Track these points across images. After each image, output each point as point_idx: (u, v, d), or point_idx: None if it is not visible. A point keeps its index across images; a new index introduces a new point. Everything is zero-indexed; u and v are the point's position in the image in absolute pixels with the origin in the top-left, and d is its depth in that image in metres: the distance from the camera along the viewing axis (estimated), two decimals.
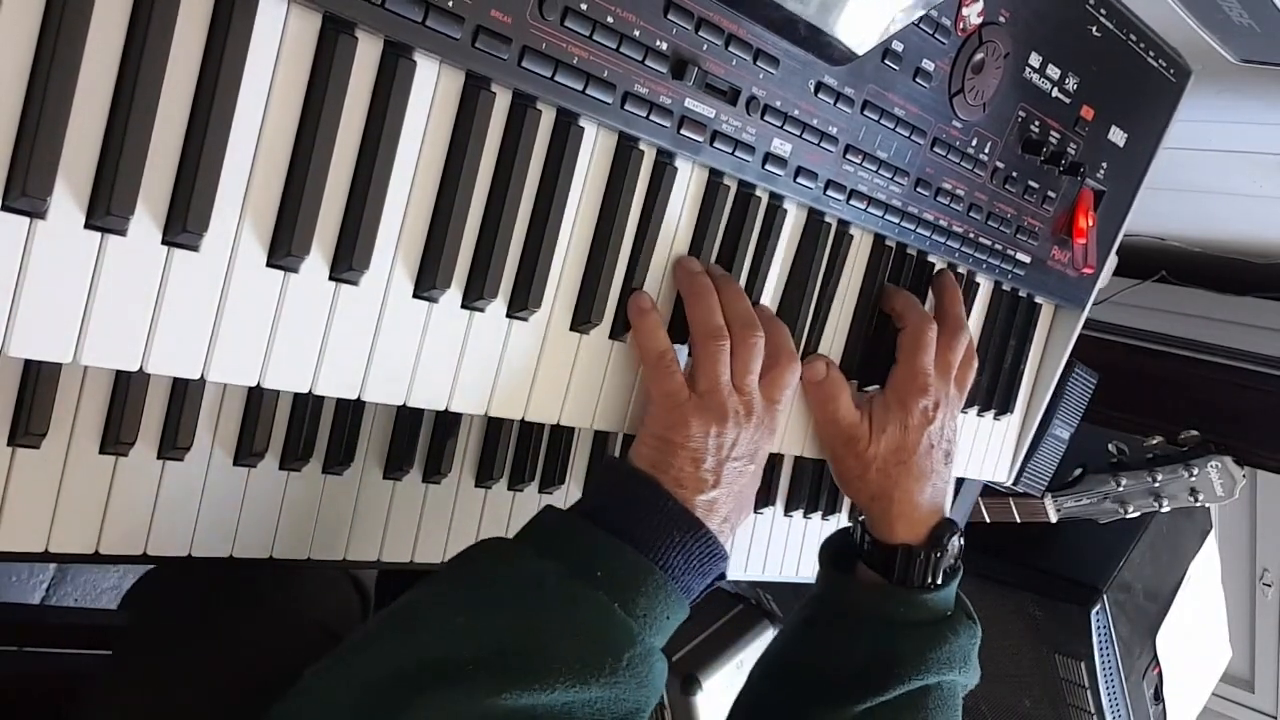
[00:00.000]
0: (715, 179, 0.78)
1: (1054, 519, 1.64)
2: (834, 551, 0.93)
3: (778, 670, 0.91)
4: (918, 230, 0.92)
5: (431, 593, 0.66)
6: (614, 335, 0.76)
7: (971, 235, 0.98)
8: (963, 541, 0.89)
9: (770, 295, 0.86)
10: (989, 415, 1.12)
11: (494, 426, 0.82)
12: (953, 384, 0.94)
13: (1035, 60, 0.94)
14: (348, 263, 0.61)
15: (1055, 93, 0.97)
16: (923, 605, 0.86)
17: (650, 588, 0.66)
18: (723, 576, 0.74)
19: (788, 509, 1.04)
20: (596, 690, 0.62)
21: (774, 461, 1.01)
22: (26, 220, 0.50)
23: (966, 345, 0.95)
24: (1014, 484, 1.22)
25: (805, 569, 1.08)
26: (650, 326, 0.76)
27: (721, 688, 1.68)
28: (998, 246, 1.01)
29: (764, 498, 1.01)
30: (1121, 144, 1.07)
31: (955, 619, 0.87)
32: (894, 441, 0.89)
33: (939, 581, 0.87)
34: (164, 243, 0.55)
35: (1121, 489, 1.62)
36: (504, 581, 0.65)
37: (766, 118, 0.77)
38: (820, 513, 1.07)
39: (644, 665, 0.64)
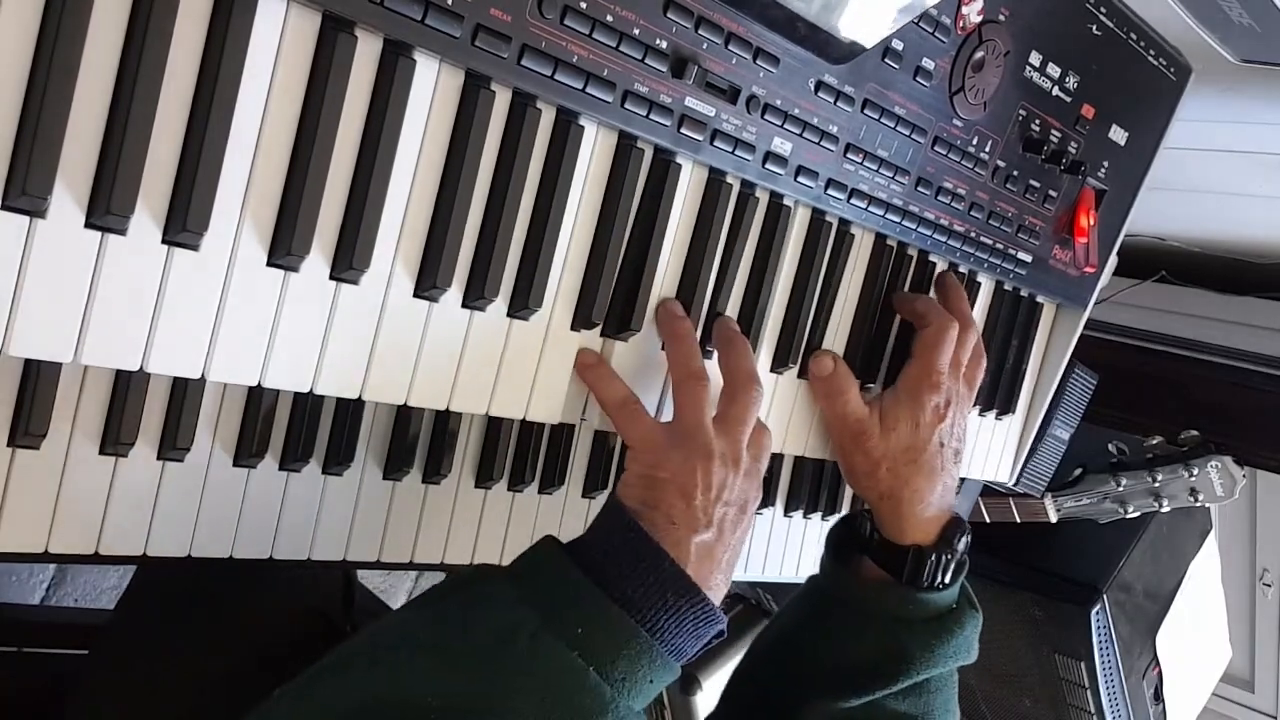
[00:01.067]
0: (716, 178, 0.78)
1: (1054, 519, 1.64)
2: (839, 542, 0.92)
3: (779, 658, 0.90)
4: (919, 229, 0.92)
5: (406, 626, 0.63)
6: (615, 335, 0.76)
7: (973, 234, 0.98)
8: (969, 538, 0.89)
9: (771, 296, 0.86)
10: (990, 415, 1.12)
11: (494, 426, 0.82)
12: (962, 382, 0.93)
13: (1036, 59, 0.94)
14: (348, 262, 0.61)
15: (1056, 91, 0.97)
16: (930, 603, 0.85)
17: (633, 651, 0.62)
18: (722, 635, 0.70)
19: (787, 509, 1.04)
20: None
21: (774, 461, 1.01)
22: (26, 219, 0.50)
23: (976, 342, 0.95)
24: (1014, 484, 1.21)
25: (805, 569, 1.08)
26: (603, 378, 0.75)
27: (721, 687, 1.68)
28: (999, 246, 1.01)
29: (764, 498, 1.01)
30: (1122, 143, 1.07)
31: (960, 610, 0.87)
32: (905, 439, 0.89)
33: (948, 580, 0.86)
34: (164, 242, 0.54)
35: (1121, 489, 1.61)
36: (479, 627, 0.61)
37: (767, 116, 0.77)
38: (820, 513, 1.07)
39: None
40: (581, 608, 0.62)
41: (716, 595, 0.70)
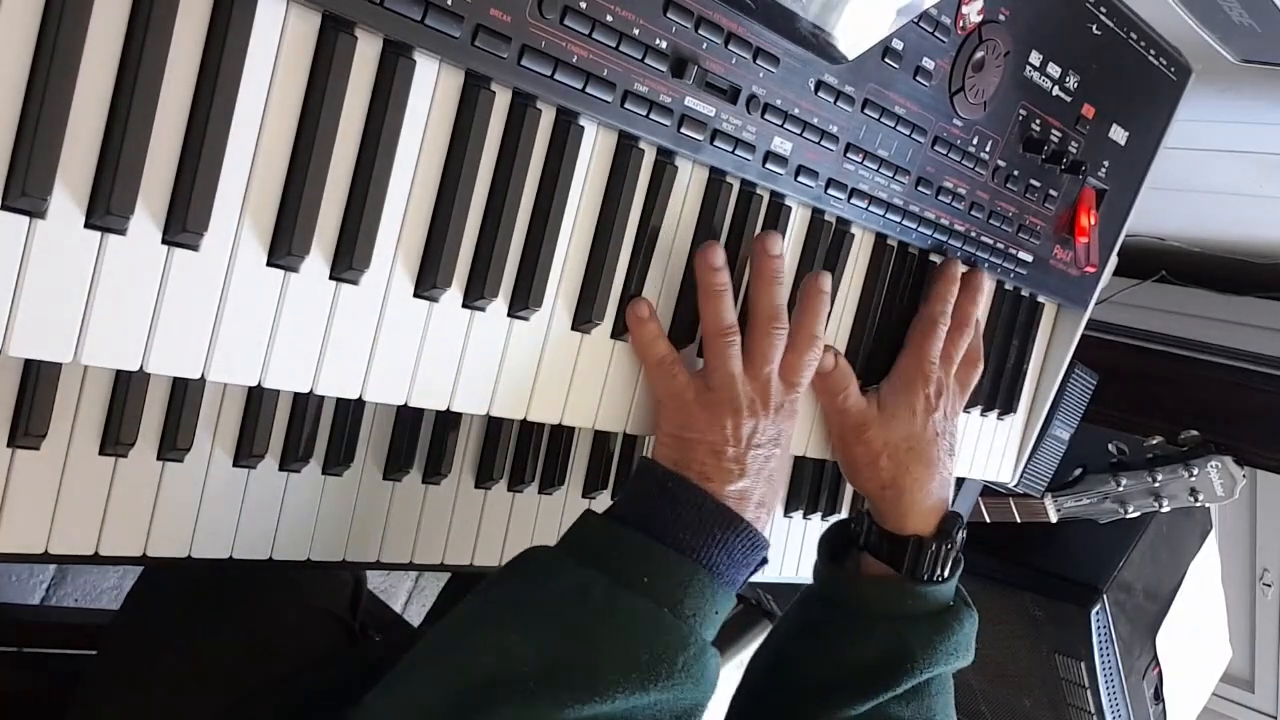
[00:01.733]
0: (716, 178, 0.78)
1: (1054, 519, 1.64)
2: (833, 546, 0.93)
3: (780, 672, 0.90)
4: (919, 229, 0.92)
5: (481, 609, 0.66)
6: (615, 335, 0.76)
7: (973, 234, 0.98)
8: (964, 533, 0.90)
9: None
10: (992, 415, 1.12)
11: (494, 427, 0.82)
12: (954, 379, 0.94)
13: (1036, 59, 0.94)
14: (348, 262, 0.61)
15: (1056, 91, 0.97)
16: (930, 597, 0.86)
17: (696, 587, 0.67)
18: (765, 561, 0.75)
19: (787, 509, 1.04)
20: (655, 694, 0.63)
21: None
22: (26, 220, 0.50)
23: (970, 343, 0.96)
24: (1015, 484, 1.21)
25: (805, 569, 1.08)
26: (649, 334, 0.76)
27: (722, 687, 1.68)
28: (999, 245, 1.01)
29: None
30: (1123, 142, 1.07)
31: (958, 608, 0.88)
32: (903, 427, 0.90)
33: (946, 574, 0.87)
34: (164, 242, 0.54)
35: (1121, 489, 1.61)
36: (551, 594, 0.65)
37: (767, 116, 0.77)
38: (820, 513, 1.07)
39: (698, 664, 0.65)
40: (642, 559, 0.67)
41: (759, 524, 0.74)
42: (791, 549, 1.06)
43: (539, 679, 0.60)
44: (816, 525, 1.07)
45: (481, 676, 0.60)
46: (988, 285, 0.99)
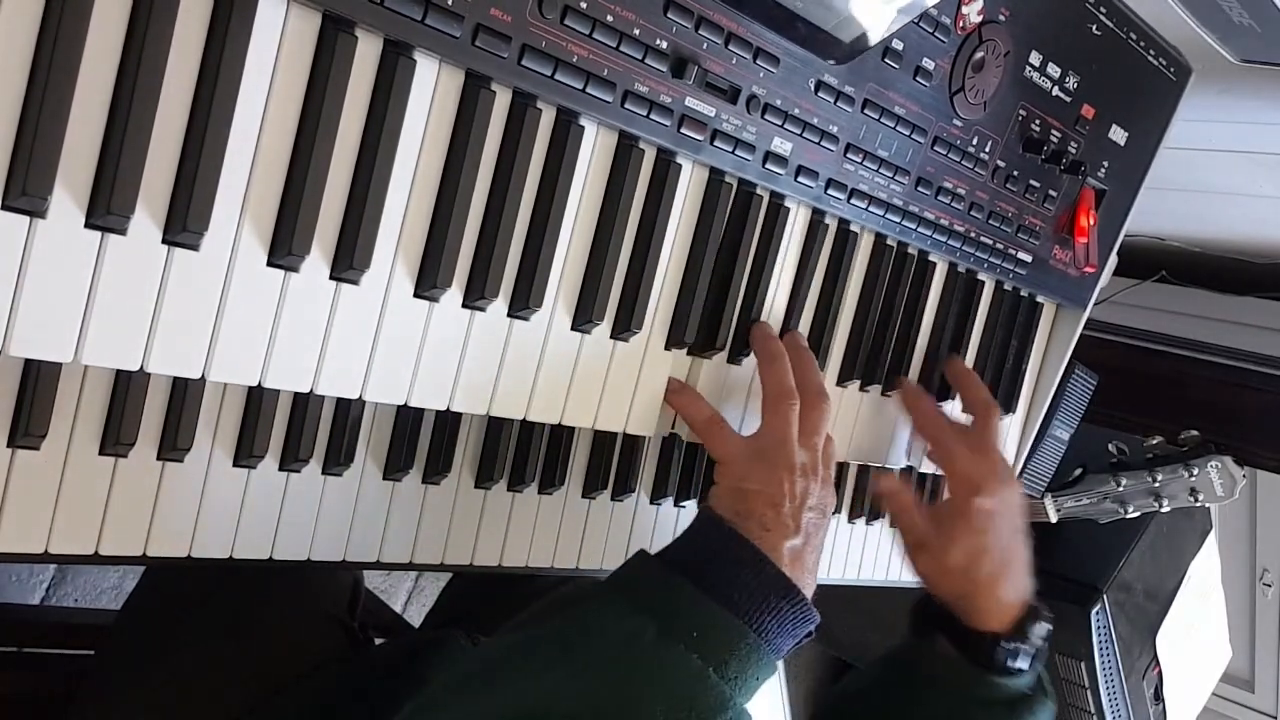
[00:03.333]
0: (716, 178, 0.78)
1: (1054, 519, 1.63)
2: (921, 616, 0.93)
3: (849, 716, 0.92)
4: (919, 229, 0.92)
5: (528, 643, 0.66)
6: (615, 335, 0.76)
7: (973, 234, 0.98)
8: (1049, 627, 0.89)
9: (773, 295, 0.86)
10: None
11: (494, 426, 0.82)
12: (999, 468, 0.93)
13: (1035, 59, 0.94)
14: (348, 262, 0.61)
15: (1056, 91, 0.97)
16: (1004, 688, 0.86)
17: (743, 651, 0.66)
18: (811, 635, 0.73)
19: None
20: None
21: None
22: (26, 219, 0.50)
23: (1000, 426, 0.97)
24: None
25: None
26: (690, 400, 0.80)
27: None
28: (999, 246, 1.01)
29: None
30: (1122, 143, 1.07)
31: (1034, 698, 0.87)
32: (966, 547, 0.89)
33: (1022, 667, 0.87)
34: (164, 242, 0.54)
35: (1121, 489, 1.61)
36: (599, 637, 0.65)
37: (767, 116, 0.77)
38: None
39: None
40: (694, 613, 0.66)
41: (808, 593, 0.73)
42: None
43: (577, 718, 0.60)
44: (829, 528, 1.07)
45: (521, 714, 0.60)
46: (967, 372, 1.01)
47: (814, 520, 0.76)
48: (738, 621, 0.66)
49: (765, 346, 0.83)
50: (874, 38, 0.76)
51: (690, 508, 0.93)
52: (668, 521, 0.90)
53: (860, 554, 1.07)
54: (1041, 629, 0.88)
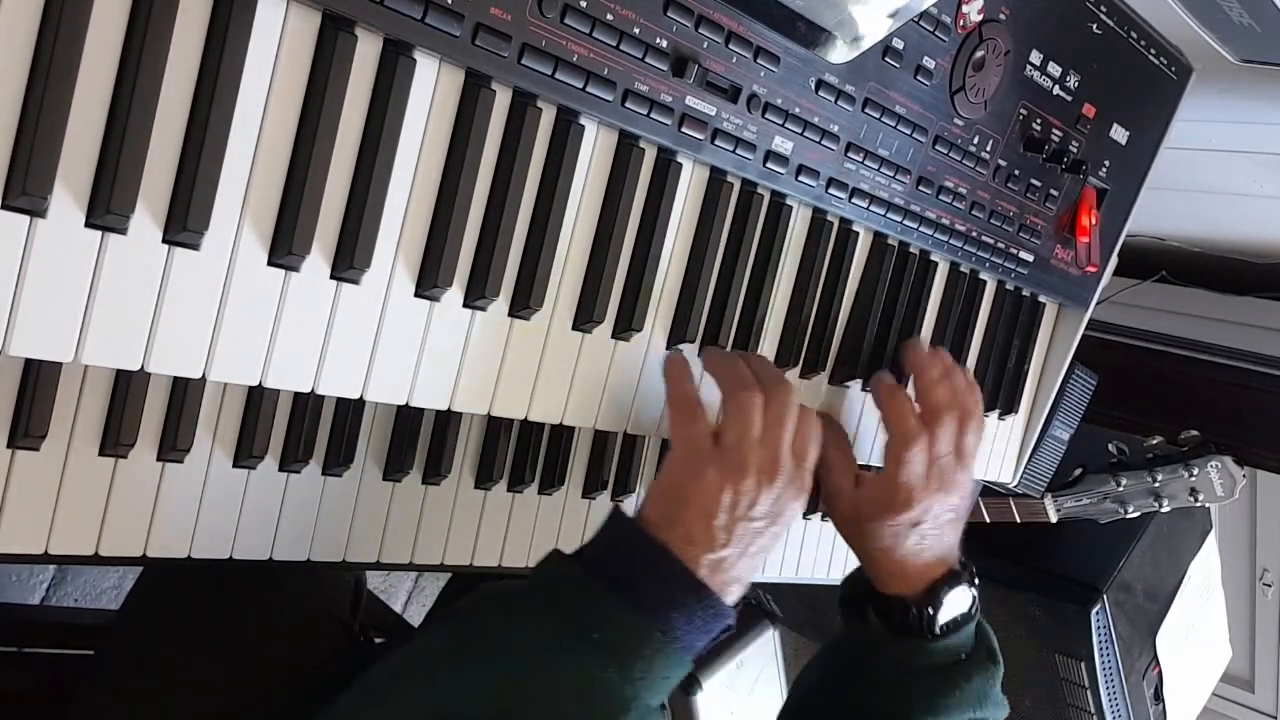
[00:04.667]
0: (717, 177, 0.78)
1: (1054, 519, 1.63)
2: (848, 593, 0.92)
3: (807, 711, 0.91)
4: (920, 229, 0.92)
5: (434, 647, 0.66)
6: (616, 335, 0.76)
7: (974, 234, 0.97)
8: (974, 592, 0.87)
9: (775, 295, 0.86)
10: (992, 416, 1.12)
11: (494, 426, 0.82)
12: (950, 472, 0.88)
13: (1036, 58, 0.94)
14: (349, 262, 0.61)
15: (1056, 90, 0.97)
16: (933, 651, 0.84)
17: (650, 650, 0.65)
18: (729, 630, 0.72)
19: None
20: None
21: None
22: (27, 219, 0.50)
23: (958, 422, 0.89)
24: (1015, 484, 1.21)
25: (804, 570, 1.08)
26: (680, 375, 0.76)
27: (721, 688, 1.68)
28: (1000, 245, 1.01)
29: None
30: (1123, 142, 1.07)
31: (971, 661, 0.86)
32: (880, 543, 0.86)
33: (937, 631, 0.84)
34: (165, 241, 0.54)
35: (1121, 489, 1.61)
36: (501, 641, 0.64)
37: (767, 115, 0.77)
38: (819, 513, 1.07)
39: None
40: (596, 614, 0.65)
41: (728, 594, 0.71)
42: (791, 549, 1.06)
43: None
44: (815, 525, 1.07)
45: (423, 716, 0.60)
46: (930, 362, 0.92)
47: (757, 529, 0.72)
48: (643, 620, 0.66)
49: (717, 356, 0.80)
50: (874, 37, 0.76)
51: None
52: None
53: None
54: (959, 593, 0.86)
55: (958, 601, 0.86)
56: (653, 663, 0.65)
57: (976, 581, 0.89)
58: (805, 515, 1.06)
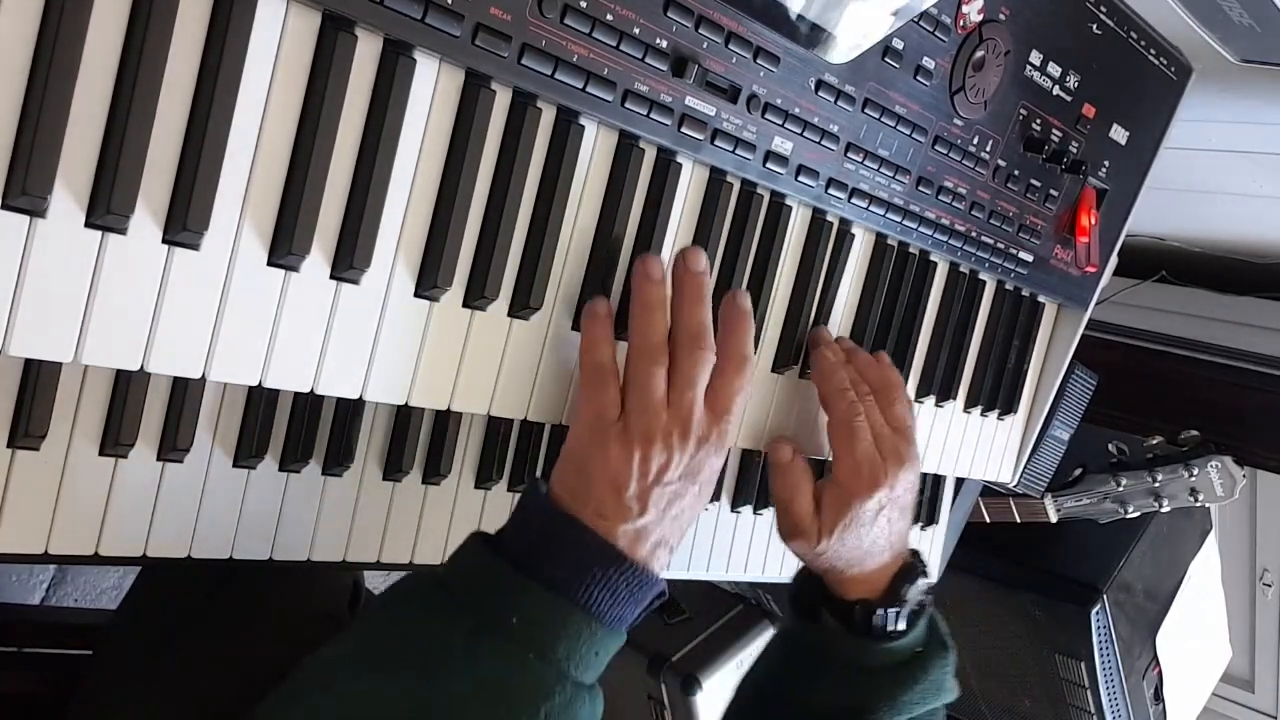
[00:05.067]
0: (717, 177, 0.78)
1: (1054, 519, 1.63)
2: (799, 591, 0.91)
3: (757, 708, 0.90)
4: (920, 229, 0.92)
5: (344, 651, 0.64)
6: (617, 335, 0.76)
7: (974, 234, 0.98)
8: (928, 580, 0.87)
9: (774, 295, 0.86)
10: (992, 416, 1.12)
11: (494, 426, 0.82)
12: (902, 446, 0.87)
13: (1036, 58, 0.94)
14: (349, 262, 0.61)
15: (1056, 91, 0.97)
16: (889, 651, 0.84)
17: (572, 629, 0.63)
18: (663, 596, 0.70)
19: (757, 507, 1.04)
20: None
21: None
22: (26, 219, 0.50)
23: (907, 403, 0.89)
24: (1015, 484, 1.21)
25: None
26: (600, 336, 0.71)
27: (721, 687, 1.68)
28: (1000, 245, 1.01)
29: (765, 499, 1.01)
30: (1123, 142, 1.07)
31: (926, 654, 0.85)
32: (845, 541, 0.84)
33: (902, 628, 0.84)
34: (164, 241, 0.54)
35: (1121, 489, 1.61)
36: (412, 641, 0.62)
37: (767, 116, 0.77)
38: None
39: (565, 714, 0.62)
40: (511, 599, 0.63)
41: (654, 562, 0.70)
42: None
43: None
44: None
45: None
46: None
47: (675, 491, 0.69)
48: (561, 599, 0.64)
49: (642, 291, 0.72)
50: (874, 37, 0.76)
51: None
52: None
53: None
54: (918, 587, 0.85)
55: (915, 595, 0.86)
56: (576, 642, 0.63)
57: (927, 569, 0.89)
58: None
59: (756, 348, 0.85)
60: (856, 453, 0.85)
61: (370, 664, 0.62)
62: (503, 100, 0.66)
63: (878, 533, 0.85)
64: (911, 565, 0.87)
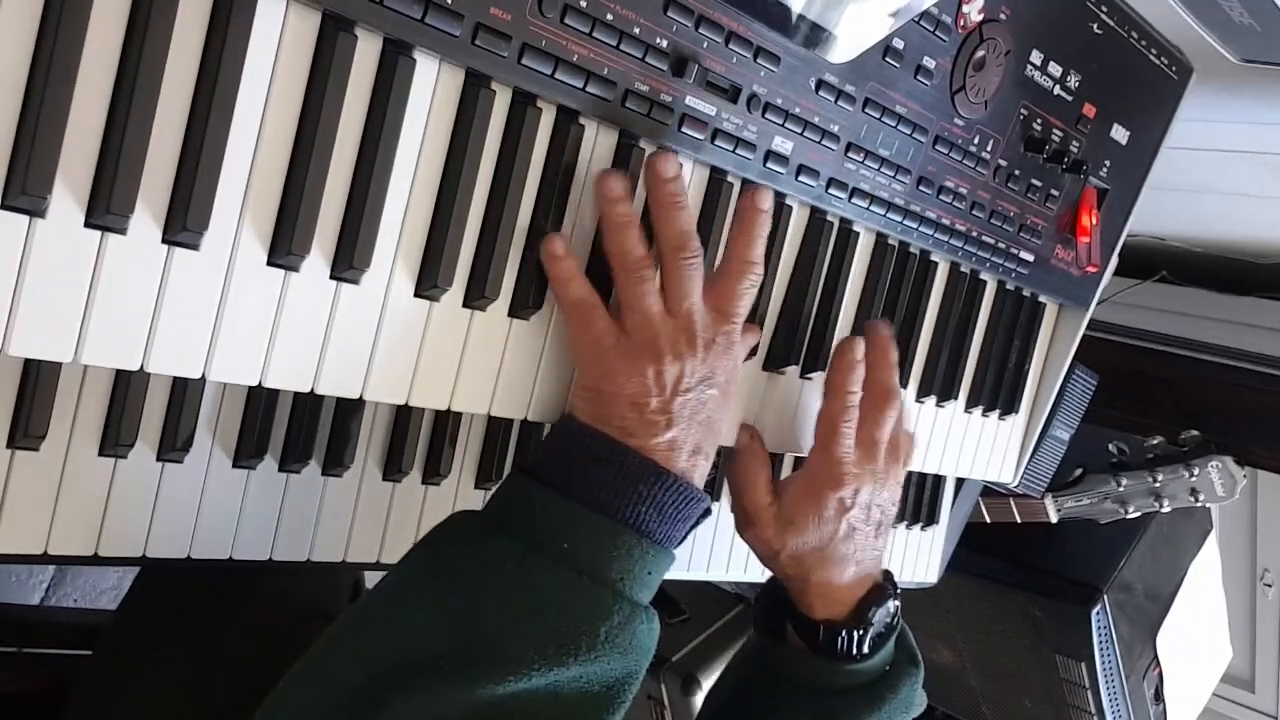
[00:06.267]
0: (717, 177, 0.78)
1: (1054, 519, 1.63)
2: (765, 607, 0.89)
3: None
4: (920, 229, 0.92)
5: (396, 585, 0.63)
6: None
7: (974, 234, 0.97)
8: (897, 603, 0.85)
9: (774, 295, 0.86)
10: (993, 416, 1.12)
11: (494, 426, 0.82)
12: (882, 460, 0.86)
13: (1036, 58, 0.94)
14: (348, 262, 0.61)
15: (1057, 90, 0.97)
16: (856, 673, 0.83)
17: (623, 550, 0.63)
18: (708, 513, 0.70)
19: None
20: (577, 668, 0.60)
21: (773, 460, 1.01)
22: (26, 219, 0.50)
23: (898, 416, 0.88)
24: (1015, 485, 1.21)
25: None
26: (564, 272, 0.69)
27: None
28: (1001, 245, 1.01)
29: None
30: (1124, 142, 1.06)
31: (894, 672, 0.84)
32: (805, 537, 0.82)
33: (865, 651, 0.83)
34: (164, 241, 0.54)
35: (1122, 489, 1.61)
36: (465, 567, 0.62)
37: (767, 115, 0.77)
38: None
39: (625, 633, 0.62)
40: (559, 523, 0.63)
41: (695, 474, 0.69)
42: None
43: (449, 660, 0.57)
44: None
45: (389, 661, 0.57)
46: (890, 346, 0.88)
47: (698, 398, 0.69)
48: (610, 522, 0.64)
49: (607, 210, 0.70)
50: (875, 37, 0.76)
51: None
52: None
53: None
54: (886, 610, 0.84)
55: (882, 618, 0.84)
56: (629, 561, 0.63)
57: (899, 590, 0.87)
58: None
59: (756, 348, 0.85)
60: (833, 448, 0.84)
61: (417, 601, 0.61)
62: (503, 100, 0.66)
63: (839, 534, 0.83)
64: (881, 587, 0.85)
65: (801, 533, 0.82)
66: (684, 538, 0.69)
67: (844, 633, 0.82)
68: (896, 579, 0.90)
